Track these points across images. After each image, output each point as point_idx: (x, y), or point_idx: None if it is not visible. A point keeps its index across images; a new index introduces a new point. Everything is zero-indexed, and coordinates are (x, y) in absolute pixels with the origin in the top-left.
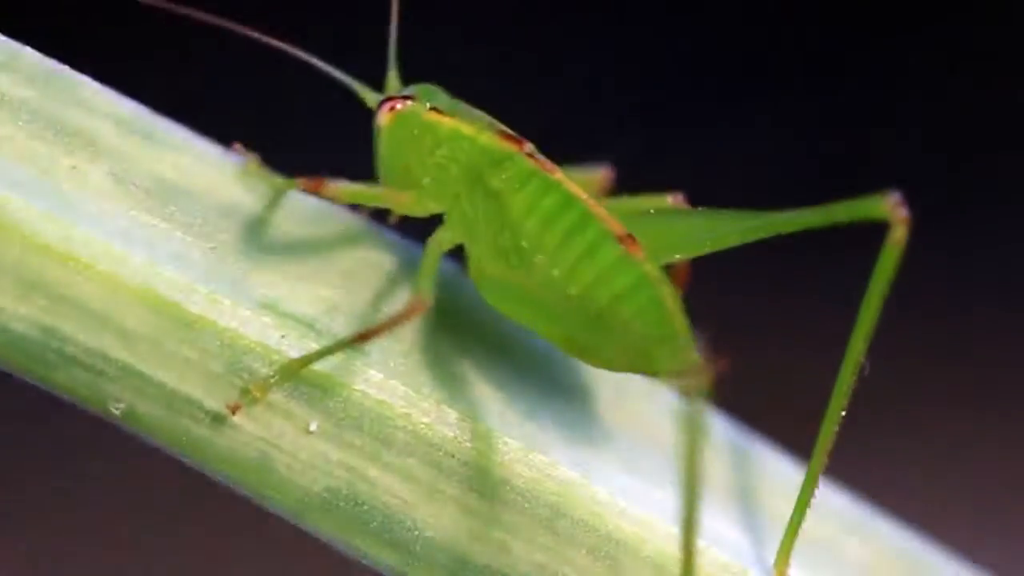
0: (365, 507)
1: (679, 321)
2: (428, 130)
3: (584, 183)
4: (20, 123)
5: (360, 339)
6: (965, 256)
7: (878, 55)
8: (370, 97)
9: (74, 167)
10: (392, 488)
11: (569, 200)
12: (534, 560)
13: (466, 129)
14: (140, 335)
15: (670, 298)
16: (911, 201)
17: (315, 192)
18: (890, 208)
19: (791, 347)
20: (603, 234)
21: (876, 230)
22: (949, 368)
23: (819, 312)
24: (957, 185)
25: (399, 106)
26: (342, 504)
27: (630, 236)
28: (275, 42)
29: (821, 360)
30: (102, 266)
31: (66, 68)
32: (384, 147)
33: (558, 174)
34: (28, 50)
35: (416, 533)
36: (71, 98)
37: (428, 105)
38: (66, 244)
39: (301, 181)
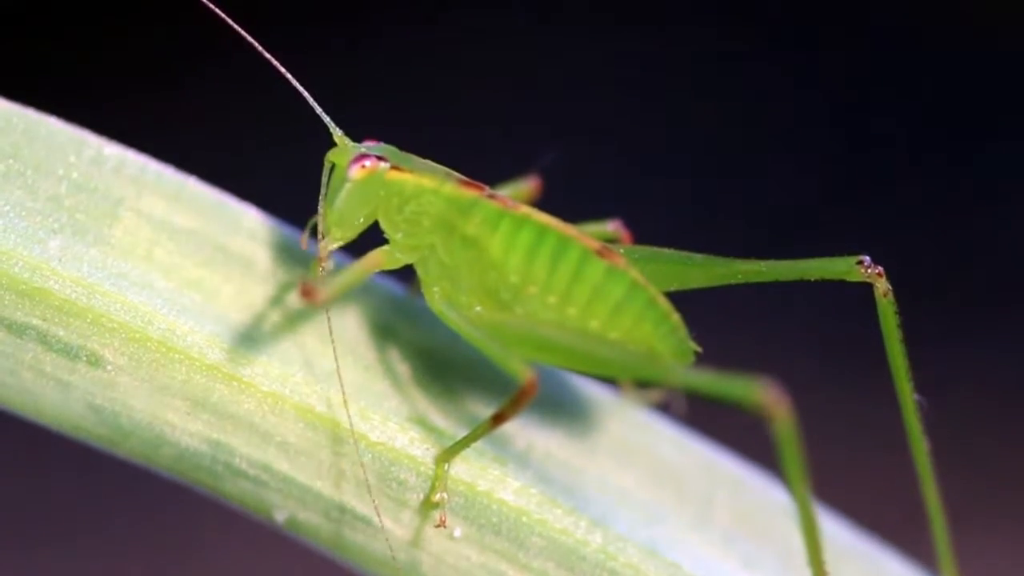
0: None
1: (674, 316)
2: (394, 188)
3: (515, 195)
4: (187, 252)
5: (494, 424)
6: None
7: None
8: (344, 148)
9: (237, 291)
10: None
11: (543, 230)
12: None
13: (429, 183)
14: (299, 448)
15: (659, 296)
16: None
17: (313, 302)
18: (864, 271)
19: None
20: (584, 252)
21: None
22: None
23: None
24: None
25: (368, 164)
26: None
27: (606, 248)
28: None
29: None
30: (264, 385)
31: (228, 197)
32: (349, 200)
33: (523, 208)
34: (192, 181)
35: None
36: (233, 226)
37: (388, 164)
38: (230, 365)
39: (299, 291)
